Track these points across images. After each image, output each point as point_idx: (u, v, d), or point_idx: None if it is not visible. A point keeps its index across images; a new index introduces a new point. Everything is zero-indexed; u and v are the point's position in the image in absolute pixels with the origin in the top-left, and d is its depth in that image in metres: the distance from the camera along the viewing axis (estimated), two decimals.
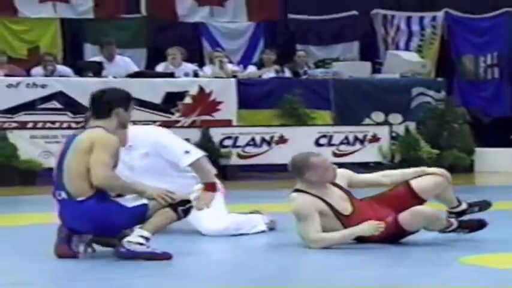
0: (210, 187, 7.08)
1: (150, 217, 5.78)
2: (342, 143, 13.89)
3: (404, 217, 6.27)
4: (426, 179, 6.62)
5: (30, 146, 12.69)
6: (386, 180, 6.74)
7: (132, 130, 6.84)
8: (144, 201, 5.80)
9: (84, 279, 5.34)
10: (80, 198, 5.83)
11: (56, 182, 5.97)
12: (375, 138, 14.03)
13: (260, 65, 15.07)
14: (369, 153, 13.91)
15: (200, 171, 7.09)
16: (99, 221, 5.83)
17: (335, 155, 13.74)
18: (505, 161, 14.16)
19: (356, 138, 13.98)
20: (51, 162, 12.41)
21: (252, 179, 13.58)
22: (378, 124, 14.35)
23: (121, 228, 5.89)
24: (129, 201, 5.86)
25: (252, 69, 15.04)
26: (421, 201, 6.51)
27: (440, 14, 17.46)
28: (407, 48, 17.23)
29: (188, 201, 5.91)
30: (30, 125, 12.89)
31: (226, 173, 12.83)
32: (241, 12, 17.14)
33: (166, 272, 5.51)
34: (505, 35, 17.03)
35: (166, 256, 5.83)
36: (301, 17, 17.35)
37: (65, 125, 12.93)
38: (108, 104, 6.09)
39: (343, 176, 6.60)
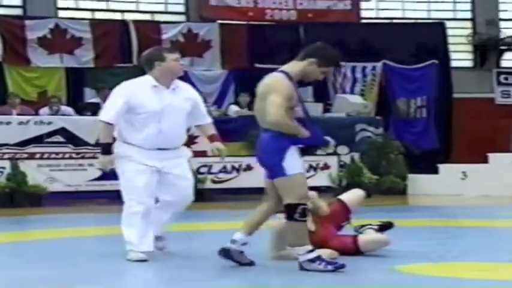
0: (217, 137, 6.86)
1: None
2: None
3: (364, 243, 6.19)
4: (351, 194, 6.66)
5: (37, 173, 12.51)
6: None
7: (176, 81, 6.32)
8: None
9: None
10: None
11: None
12: (325, 166, 13.97)
13: (237, 105, 15.00)
14: (321, 179, 13.82)
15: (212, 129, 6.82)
16: (262, 152, 5.65)
17: None
18: (432, 185, 14.16)
19: (310, 166, 13.89)
20: (55, 187, 12.49)
21: (224, 200, 13.44)
22: (328, 154, 14.25)
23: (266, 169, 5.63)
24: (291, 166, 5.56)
25: (235, 108, 14.89)
26: (349, 212, 6.48)
27: (379, 64, 17.51)
28: (352, 92, 17.24)
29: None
30: (37, 155, 12.69)
31: (203, 196, 12.75)
32: (216, 62, 17.18)
33: None
34: (431, 82, 17.20)
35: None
36: (266, 66, 17.27)
37: (66, 155, 12.81)
38: (310, 51, 5.81)
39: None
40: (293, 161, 5.58)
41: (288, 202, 5.55)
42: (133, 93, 6.09)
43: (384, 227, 6.62)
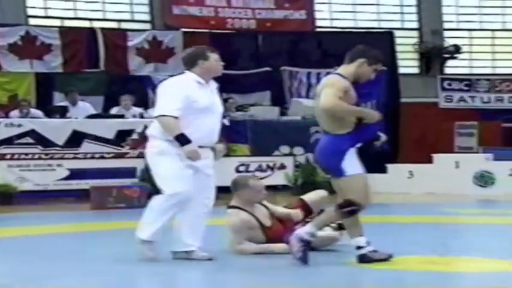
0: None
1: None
2: (256, 170, 13.78)
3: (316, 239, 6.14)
4: (313, 194, 6.64)
5: (7, 173, 12.28)
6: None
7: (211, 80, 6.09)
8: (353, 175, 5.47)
9: None
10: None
11: None
12: (282, 166, 13.96)
13: None
14: (277, 178, 13.80)
15: None
16: (322, 155, 5.60)
17: None
18: (381, 184, 14.18)
19: (268, 166, 13.89)
20: (25, 186, 12.32)
21: None
22: (284, 155, 14.29)
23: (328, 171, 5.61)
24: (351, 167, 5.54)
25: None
26: (311, 212, 6.44)
27: (332, 71, 17.51)
28: (307, 96, 17.27)
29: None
30: (8, 156, 12.44)
31: None
32: (179, 67, 16.99)
33: None
34: (382, 86, 17.23)
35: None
36: (226, 72, 17.19)
37: (36, 156, 12.59)
38: (357, 54, 5.75)
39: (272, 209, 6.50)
40: (352, 162, 5.59)
41: (347, 199, 5.60)
42: (189, 88, 5.79)
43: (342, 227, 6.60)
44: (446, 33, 19.90)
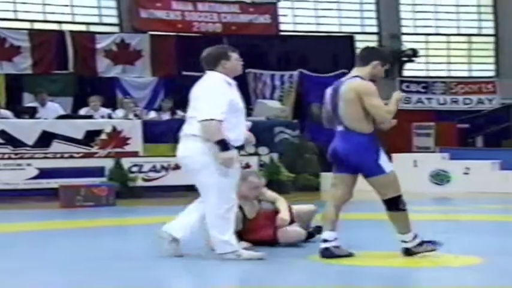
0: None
1: None
2: None
3: (282, 234, 6.27)
4: (303, 207, 6.65)
5: None
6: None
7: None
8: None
9: None
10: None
11: (335, 117, 5.66)
12: (247, 166, 13.89)
13: (160, 109, 14.92)
14: None
15: None
16: (356, 154, 5.56)
17: None
18: None
19: None
20: None
21: (154, 197, 13.27)
22: (249, 155, 14.25)
23: (358, 169, 5.61)
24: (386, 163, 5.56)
25: (153, 113, 14.86)
26: (292, 221, 6.45)
27: (296, 73, 17.59)
28: (271, 97, 17.27)
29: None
30: None
31: (134, 193, 12.65)
32: (146, 69, 17.11)
33: None
34: None
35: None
36: (192, 74, 17.19)
37: (6, 156, 12.42)
38: (371, 56, 5.70)
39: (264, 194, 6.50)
40: (386, 159, 5.65)
41: (389, 197, 5.60)
42: (227, 89, 5.60)
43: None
44: (404, 38, 20.06)
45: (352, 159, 5.58)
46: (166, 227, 5.78)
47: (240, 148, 5.71)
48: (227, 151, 5.41)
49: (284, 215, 6.34)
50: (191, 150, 5.57)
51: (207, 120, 5.42)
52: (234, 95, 5.67)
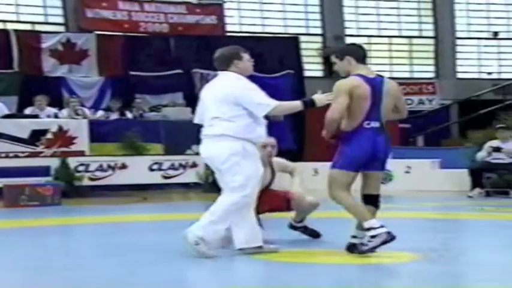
0: None
1: None
2: (169, 168, 13.65)
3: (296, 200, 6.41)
4: (308, 199, 6.60)
5: None
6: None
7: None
8: None
9: None
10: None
11: (369, 113, 5.44)
12: (194, 165, 13.85)
13: (108, 109, 14.78)
14: (189, 176, 13.71)
15: None
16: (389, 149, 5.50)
17: (164, 177, 13.52)
18: (288, 181, 14.29)
19: (180, 165, 13.77)
20: None
21: (100, 196, 13.10)
22: (196, 154, 14.09)
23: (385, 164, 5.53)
24: None
25: (100, 113, 14.70)
26: (289, 208, 6.56)
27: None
28: None
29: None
30: None
31: (80, 193, 12.48)
32: (93, 69, 16.86)
33: None
34: (288, 89, 17.37)
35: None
36: (140, 74, 17.07)
37: None
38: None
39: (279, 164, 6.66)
40: None
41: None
42: None
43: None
44: (347, 39, 20.23)
45: (387, 156, 5.62)
46: (241, 245, 5.69)
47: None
48: (314, 103, 5.69)
49: (296, 189, 6.44)
50: (218, 150, 5.58)
51: (272, 110, 5.57)
52: None
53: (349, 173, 5.49)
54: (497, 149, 12.30)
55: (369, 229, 5.38)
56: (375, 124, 5.48)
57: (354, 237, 5.57)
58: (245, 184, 5.51)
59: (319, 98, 5.74)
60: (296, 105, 5.69)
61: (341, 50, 5.76)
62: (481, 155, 12.50)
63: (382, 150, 5.52)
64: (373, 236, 5.36)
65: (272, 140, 6.49)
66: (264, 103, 5.56)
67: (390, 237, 5.36)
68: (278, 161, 6.76)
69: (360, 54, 5.69)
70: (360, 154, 5.46)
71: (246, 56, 5.77)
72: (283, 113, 5.64)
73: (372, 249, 5.36)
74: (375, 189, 5.60)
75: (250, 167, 5.54)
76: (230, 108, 5.56)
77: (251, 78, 5.87)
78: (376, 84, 5.57)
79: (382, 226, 5.39)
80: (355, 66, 5.62)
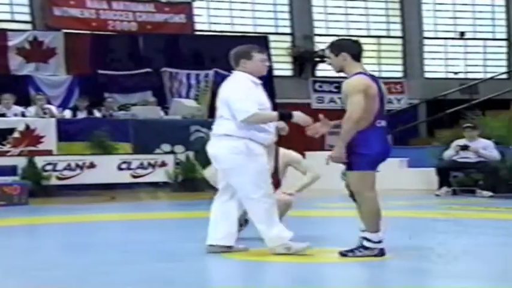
0: None
1: None
2: (138, 167, 13.55)
3: None
4: (284, 198, 6.56)
5: None
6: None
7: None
8: None
9: None
10: None
11: (379, 112, 5.35)
12: (163, 164, 13.78)
13: (75, 108, 14.64)
14: (158, 176, 13.64)
15: None
16: None
17: (133, 176, 13.43)
18: None
19: (149, 164, 13.68)
20: None
21: (68, 196, 12.97)
22: (165, 153, 14.12)
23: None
24: None
25: (68, 112, 14.56)
26: None
27: (211, 72, 17.51)
28: (187, 96, 17.16)
29: None
30: None
31: (47, 192, 12.34)
32: (61, 67, 16.70)
33: None
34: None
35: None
36: (108, 72, 16.94)
37: None
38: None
39: (286, 156, 6.69)
40: None
41: None
42: (252, 88, 5.55)
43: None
44: (316, 38, 20.29)
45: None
46: (212, 241, 5.62)
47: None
48: (293, 116, 5.60)
49: (286, 192, 6.48)
50: (222, 149, 5.55)
51: (249, 117, 5.44)
52: (260, 95, 5.62)
53: (373, 173, 5.40)
54: (465, 147, 12.41)
55: (368, 240, 5.31)
56: (384, 123, 5.44)
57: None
58: (258, 183, 5.47)
59: (299, 114, 5.69)
60: (273, 116, 5.57)
61: (338, 46, 5.58)
62: (448, 153, 12.60)
63: (390, 149, 5.53)
64: (365, 248, 5.31)
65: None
66: (243, 109, 5.45)
67: (380, 254, 5.32)
68: (287, 153, 6.65)
69: (355, 51, 5.58)
70: (377, 153, 5.39)
71: (257, 56, 5.68)
72: (260, 122, 5.51)
73: (357, 257, 5.30)
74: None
75: (255, 165, 5.48)
76: (229, 108, 5.55)
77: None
78: (377, 82, 5.54)
79: (380, 242, 5.34)
80: (350, 63, 5.51)
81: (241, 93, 5.52)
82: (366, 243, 5.31)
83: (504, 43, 21.98)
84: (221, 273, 5.16)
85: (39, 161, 12.73)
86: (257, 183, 5.47)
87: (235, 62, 5.70)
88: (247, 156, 5.46)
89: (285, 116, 5.60)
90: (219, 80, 17.98)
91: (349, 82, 5.43)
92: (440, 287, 4.69)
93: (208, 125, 15.39)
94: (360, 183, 5.37)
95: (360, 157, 5.34)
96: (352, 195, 5.57)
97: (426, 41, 21.45)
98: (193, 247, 5.96)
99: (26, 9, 17.60)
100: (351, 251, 5.35)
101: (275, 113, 5.58)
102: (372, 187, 5.40)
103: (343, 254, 5.37)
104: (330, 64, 5.64)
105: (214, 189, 5.98)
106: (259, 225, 5.53)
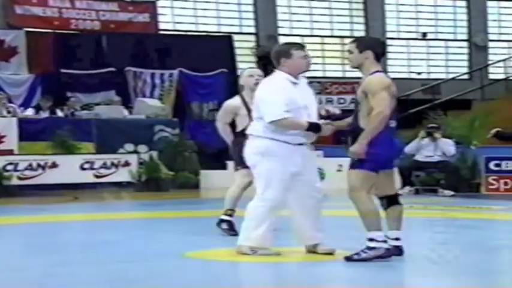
0: None
1: None
2: (101, 167, 13.43)
3: None
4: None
5: None
6: None
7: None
8: None
9: None
10: None
11: (393, 112, 5.26)
12: (126, 164, 13.68)
13: (38, 107, 14.49)
14: (122, 175, 13.52)
15: None
16: None
17: (96, 176, 13.31)
18: (222, 180, 14.23)
19: (112, 164, 13.57)
20: None
21: (30, 196, 12.81)
22: (129, 153, 14.03)
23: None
24: None
25: (30, 111, 14.40)
26: None
27: (175, 72, 17.45)
28: (151, 96, 17.07)
29: None
30: None
31: (9, 192, 12.17)
32: (23, 66, 16.52)
33: None
34: (221, 88, 17.32)
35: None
36: (71, 71, 16.79)
37: None
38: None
39: None
40: None
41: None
42: (286, 89, 5.48)
43: None
44: (280, 38, 20.35)
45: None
46: (243, 241, 5.58)
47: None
48: (319, 129, 5.54)
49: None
50: (247, 148, 5.65)
51: (276, 121, 5.44)
52: (295, 94, 5.55)
53: (375, 175, 5.31)
54: (430, 134, 12.64)
55: (371, 239, 5.23)
56: (395, 124, 5.40)
57: (396, 239, 5.40)
58: (266, 183, 5.48)
59: (328, 128, 5.65)
60: (301, 124, 5.48)
61: (364, 43, 5.49)
62: (411, 145, 12.77)
63: (400, 148, 5.57)
64: (370, 248, 5.21)
65: (259, 71, 6.32)
66: (271, 112, 5.46)
67: (387, 254, 5.23)
68: None
69: (379, 51, 5.46)
70: (389, 153, 5.36)
71: (297, 53, 5.62)
72: (289, 128, 5.44)
73: (364, 260, 5.18)
74: (393, 188, 5.53)
75: (269, 168, 5.46)
76: (260, 108, 5.59)
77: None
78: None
79: (385, 241, 5.27)
80: (371, 62, 5.39)
81: (272, 95, 5.51)
82: (371, 244, 5.22)
83: (465, 44, 22.30)
84: (186, 274, 5.14)
85: (0, 160, 12.56)
86: (266, 183, 5.50)
87: (276, 62, 5.67)
88: (261, 156, 5.51)
89: (313, 128, 5.52)
90: (184, 79, 18.02)
91: (372, 79, 5.34)
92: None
93: (173, 125, 15.52)
94: (359, 183, 5.31)
95: (370, 156, 5.25)
96: (381, 198, 5.50)
97: (389, 42, 21.64)
98: (156, 247, 5.93)
99: None
100: (356, 253, 5.24)
101: (305, 122, 5.47)
102: (368, 189, 5.35)
103: (348, 259, 5.25)
104: (348, 58, 5.55)
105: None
106: (249, 221, 5.55)
